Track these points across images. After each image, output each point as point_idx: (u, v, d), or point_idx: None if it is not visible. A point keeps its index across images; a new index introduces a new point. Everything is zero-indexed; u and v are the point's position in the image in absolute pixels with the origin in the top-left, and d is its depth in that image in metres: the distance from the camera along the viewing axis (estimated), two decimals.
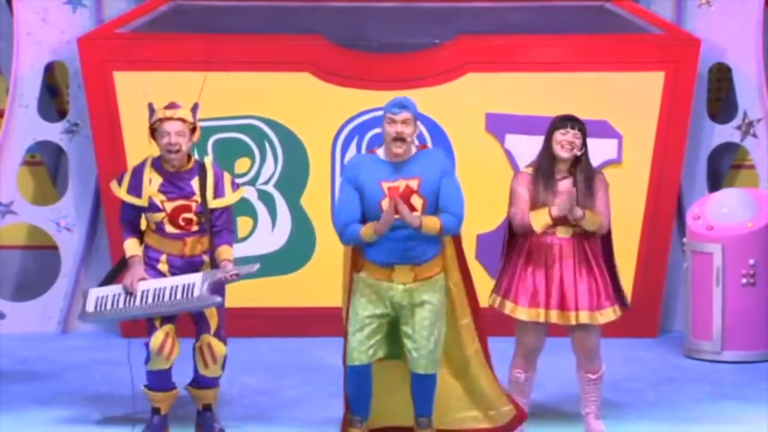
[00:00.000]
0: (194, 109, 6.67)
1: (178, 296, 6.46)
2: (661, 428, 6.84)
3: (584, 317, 6.34)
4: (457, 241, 6.40)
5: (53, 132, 9.21)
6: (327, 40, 8.99)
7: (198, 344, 6.64)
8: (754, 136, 9.15)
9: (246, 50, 8.95)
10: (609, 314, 6.43)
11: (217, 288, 6.54)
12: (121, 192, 6.63)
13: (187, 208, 6.55)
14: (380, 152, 6.30)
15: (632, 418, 7.00)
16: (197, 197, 6.55)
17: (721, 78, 9.47)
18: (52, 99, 9.57)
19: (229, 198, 6.64)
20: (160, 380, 6.58)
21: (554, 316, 6.35)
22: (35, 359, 8.32)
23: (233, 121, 8.93)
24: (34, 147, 9.29)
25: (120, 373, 7.75)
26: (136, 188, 6.60)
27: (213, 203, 6.57)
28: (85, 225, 9.20)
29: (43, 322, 9.15)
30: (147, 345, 6.51)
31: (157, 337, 6.50)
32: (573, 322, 6.34)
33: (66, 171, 9.31)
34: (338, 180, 8.84)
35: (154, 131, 6.62)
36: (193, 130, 6.61)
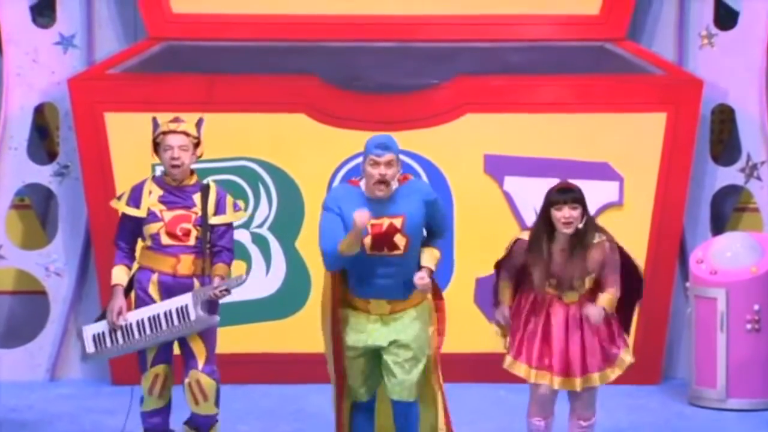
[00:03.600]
0: (199, 123, 6.84)
1: (175, 322, 6.58)
2: None
3: (595, 380, 6.48)
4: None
5: (43, 174, 9.26)
6: (322, 81, 9.07)
7: (187, 381, 6.73)
8: (758, 178, 9.21)
9: (240, 91, 9.03)
10: (621, 367, 6.56)
11: (212, 307, 6.67)
12: (120, 205, 6.75)
13: (186, 218, 6.68)
14: (363, 185, 6.45)
15: None
16: (197, 210, 6.69)
17: (724, 119, 9.53)
18: (42, 141, 9.60)
19: (230, 216, 6.80)
20: (155, 421, 6.67)
21: (558, 383, 6.46)
22: (23, 408, 8.34)
23: (226, 163, 8.99)
24: (23, 190, 9.33)
25: (109, 422, 7.81)
26: (135, 200, 6.74)
27: (213, 219, 6.72)
28: (75, 270, 9.23)
29: (31, 370, 9.16)
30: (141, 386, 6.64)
31: (146, 379, 6.65)
32: (578, 388, 6.46)
33: (55, 214, 9.34)
34: None
35: (157, 145, 6.76)
36: (196, 144, 6.76)
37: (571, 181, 6.63)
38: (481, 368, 8.56)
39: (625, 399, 8.51)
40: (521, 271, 6.56)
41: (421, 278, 6.34)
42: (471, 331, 8.78)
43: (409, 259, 6.39)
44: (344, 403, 6.55)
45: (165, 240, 6.67)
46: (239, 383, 8.67)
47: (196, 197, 6.73)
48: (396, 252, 6.34)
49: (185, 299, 6.61)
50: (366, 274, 6.37)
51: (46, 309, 9.28)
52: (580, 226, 6.40)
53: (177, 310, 6.59)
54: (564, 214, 6.36)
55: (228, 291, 6.64)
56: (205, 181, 6.85)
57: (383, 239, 6.32)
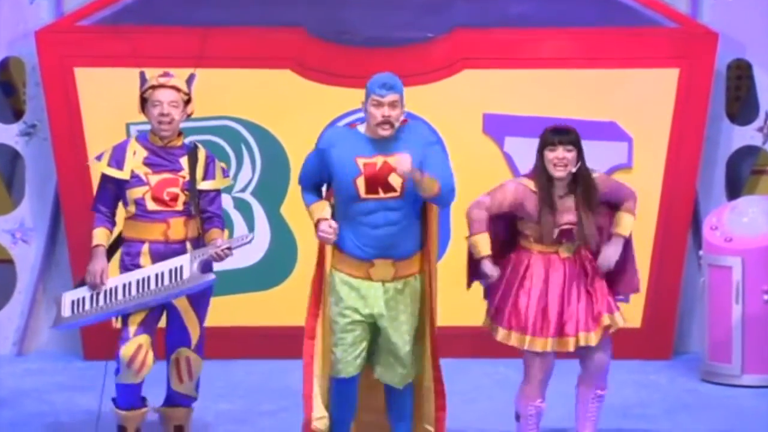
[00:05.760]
0: (190, 79, 6.77)
1: (166, 282, 6.49)
2: None
3: (592, 339, 6.46)
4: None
5: (8, 134, 9.23)
6: (309, 34, 9.04)
7: (175, 356, 6.69)
8: None
9: (220, 45, 8.98)
10: (616, 321, 6.52)
11: (208, 268, 6.60)
12: (101, 165, 6.65)
13: (173, 182, 6.61)
14: (361, 128, 6.37)
15: None
16: (185, 174, 6.63)
17: (741, 75, 9.50)
18: (7, 98, 9.56)
19: (219, 182, 6.75)
20: (128, 395, 6.62)
21: (551, 344, 6.44)
22: None
23: (206, 122, 8.95)
24: None
25: (81, 399, 7.83)
26: (117, 161, 6.64)
27: (202, 184, 6.66)
28: (44, 236, 9.21)
29: None
30: (117, 355, 6.53)
31: (128, 348, 6.52)
32: (571, 348, 6.45)
33: (22, 177, 9.32)
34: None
35: (144, 101, 6.68)
36: (187, 101, 6.70)
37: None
38: (480, 343, 8.50)
39: (633, 375, 8.54)
40: (504, 226, 6.50)
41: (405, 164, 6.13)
42: (469, 303, 8.72)
43: (408, 204, 6.28)
44: (317, 379, 6.40)
45: (151, 205, 6.59)
46: (221, 359, 8.64)
47: (183, 160, 6.67)
48: (392, 194, 6.24)
49: (181, 260, 6.54)
50: (365, 224, 6.24)
51: (13, 278, 9.28)
52: (574, 170, 6.38)
53: (170, 270, 6.51)
54: (558, 155, 6.36)
55: (230, 250, 6.57)
56: (189, 143, 6.76)
57: (377, 179, 6.22)
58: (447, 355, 7.93)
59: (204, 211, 6.68)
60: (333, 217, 6.33)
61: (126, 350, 6.52)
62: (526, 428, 6.57)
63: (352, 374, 6.35)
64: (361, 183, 6.22)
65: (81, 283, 6.71)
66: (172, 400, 6.83)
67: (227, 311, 8.65)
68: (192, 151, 6.70)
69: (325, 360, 6.39)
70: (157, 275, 6.53)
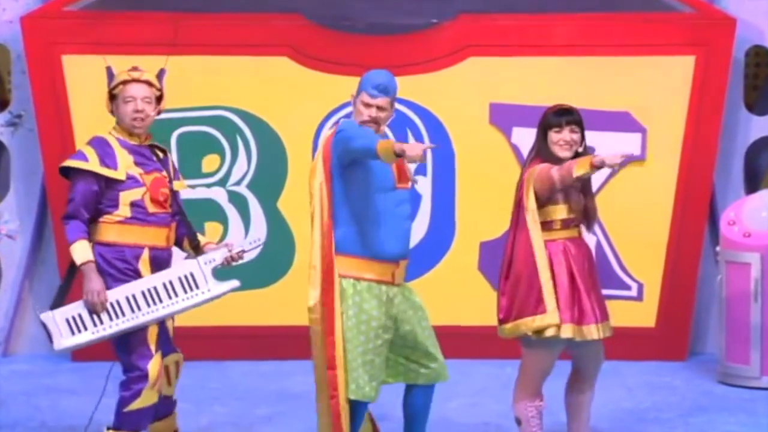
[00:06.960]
0: (160, 74, 6.71)
1: (179, 292, 6.37)
2: None
3: (611, 325, 6.41)
4: None
5: None
6: (308, 20, 9.01)
7: (164, 364, 6.55)
8: None
9: (215, 31, 8.97)
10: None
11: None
12: (92, 165, 6.36)
13: (163, 182, 6.49)
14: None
15: None
16: (165, 173, 6.53)
17: (760, 63, 9.54)
18: None
19: (183, 182, 6.68)
20: (145, 419, 6.41)
21: (600, 330, 6.36)
22: None
23: (200, 112, 8.97)
24: None
25: (71, 403, 7.84)
26: (110, 160, 6.41)
27: (176, 184, 6.58)
28: (30, 232, 9.22)
29: None
30: (143, 376, 6.32)
31: (155, 363, 6.34)
32: (606, 334, 6.38)
33: (7, 170, 9.31)
34: None
35: (113, 98, 6.51)
36: (159, 98, 6.59)
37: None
38: (486, 343, 8.49)
39: (647, 376, 8.55)
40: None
41: None
42: (474, 302, 8.79)
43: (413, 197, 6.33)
44: (344, 412, 6.18)
45: (151, 208, 6.43)
46: (215, 359, 8.70)
47: (156, 160, 6.56)
48: (407, 184, 6.25)
49: (188, 267, 6.42)
50: (397, 216, 6.16)
51: None
52: (580, 150, 6.40)
53: (180, 279, 6.38)
54: (564, 137, 6.38)
55: (243, 253, 6.54)
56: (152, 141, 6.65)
57: (402, 166, 6.21)
58: (452, 356, 7.88)
59: (176, 213, 6.57)
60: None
61: (154, 367, 6.34)
62: (527, 429, 6.51)
63: (375, 399, 6.22)
64: (395, 169, 6.19)
65: (60, 298, 6.40)
66: (163, 410, 6.68)
67: (221, 310, 8.57)
68: (159, 150, 6.58)
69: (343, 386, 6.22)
70: (165, 285, 6.38)
